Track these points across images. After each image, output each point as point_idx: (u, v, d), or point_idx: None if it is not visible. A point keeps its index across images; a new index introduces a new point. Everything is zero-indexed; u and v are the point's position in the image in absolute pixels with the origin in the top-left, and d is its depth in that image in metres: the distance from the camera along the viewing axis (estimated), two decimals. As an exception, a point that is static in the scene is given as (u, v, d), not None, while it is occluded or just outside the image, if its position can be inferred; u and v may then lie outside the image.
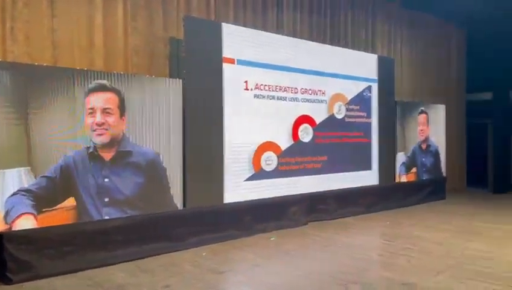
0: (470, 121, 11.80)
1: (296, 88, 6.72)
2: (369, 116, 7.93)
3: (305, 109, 6.85)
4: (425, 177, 9.12)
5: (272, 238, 5.90)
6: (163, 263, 4.74)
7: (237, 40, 5.93)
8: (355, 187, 7.64)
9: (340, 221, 7.17)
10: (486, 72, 11.21)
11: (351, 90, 7.62)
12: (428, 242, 5.75)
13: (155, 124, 5.07)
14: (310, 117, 6.93)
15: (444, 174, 9.69)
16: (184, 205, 5.31)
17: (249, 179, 6.05)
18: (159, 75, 5.45)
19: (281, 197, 6.42)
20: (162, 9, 5.83)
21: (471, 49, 11.52)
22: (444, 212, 8.18)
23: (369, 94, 7.92)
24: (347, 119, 7.53)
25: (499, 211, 8.31)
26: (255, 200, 6.07)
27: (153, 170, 5.02)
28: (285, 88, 6.56)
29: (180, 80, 5.34)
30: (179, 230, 5.25)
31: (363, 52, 8.17)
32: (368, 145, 7.93)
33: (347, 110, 7.53)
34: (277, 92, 6.45)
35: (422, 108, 9.14)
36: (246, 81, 6.01)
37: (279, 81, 6.47)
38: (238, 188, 5.88)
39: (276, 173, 6.40)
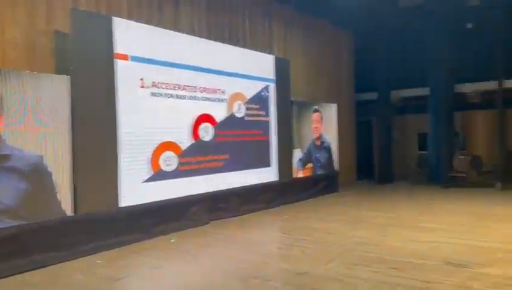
0: (358, 118, 12.87)
1: (195, 87, 6.67)
2: (267, 114, 8.19)
3: (205, 108, 6.83)
4: (319, 172, 9.71)
5: (172, 240, 5.79)
6: (51, 275, 4.37)
7: (131, 35, 5.69)
8: (256, 184, 7.85)
9: (242, 218, 7.31)
10: (372, 74, 12.33)
11: (250, 89, 7.80)
12: (321, 233, 6.13)
13: (39, 124, 4.63)
14: (210, 116, 6.93)
15: (337, 168, 10.40)
16: (75, 211, 4.95)
17: (148, 180, 5.85)
18: (43, 71, 4.98)
19: (181, 197, 6.32)
20: (46, 0, 5.34)
21: (360, 52, 12.55)
22: (336, 204, 8.80)
23: (267, 93, 8.18)
24: (247, 118, 7.69)
25: (382, 200, 9.18)
26: (154, 202, 5.89)
27: (36, 175, 4.58)
28: (184, 86, 6.47)
29: (68, 77, 4.96)
30: (70, 238, 4.88)
31: (261, 53, 8.40)
32: (267, 143, 8.19)
33: (247, 109, 7.69)
34: (176, 90, 6.33)
35: (316, 107, 9.72)
36: (141, 79, 5.79)
37: (178, 80, 6.36)
38: (135, 190, 5.65)
39: (177, 173, 6.29)
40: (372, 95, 12.53)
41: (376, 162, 12.40)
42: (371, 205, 8.57)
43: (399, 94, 12.73)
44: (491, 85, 11.03)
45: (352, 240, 5.66)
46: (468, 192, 9.91)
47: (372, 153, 12.68)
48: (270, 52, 8.89)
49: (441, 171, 11.11)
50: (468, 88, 11.67)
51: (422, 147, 12.71)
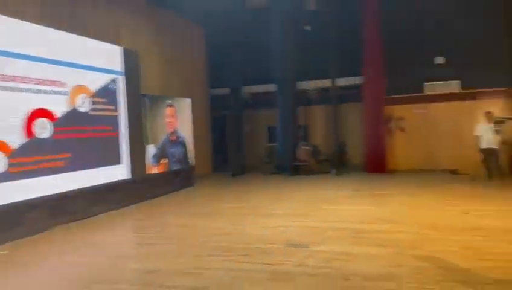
0: (214, 113, 13.16)
1: (29, 78, 5.91)
2: (116, 109, 7.76)
3: (41, 102, 6.11)
4: (175, 167, 9.63)
5: (2, 252, 5.05)
6: None
7: None
8: (106, 183, 7.38)
9: (91, 220, 6.79)
10: (224, 70, 12.70)
11: (96, 82, 7.27)
12: (176, 227, 6.10)
13: None
14: (48, 111, 6.24)
15: (193, 163, 10.46)
16: None
17: (-32, 186, 4.98)
18: None
19: (14, 203, 5.56)
20: None
21: (213, 48, 12.80)
22: (192, 198, 8.86)
23: (115, 87, 7.73)
24: (92, 113, 7.15)
25: (236, 191, 9.56)
26: (-22, 210, 5.06)
27: None
28: (12, 78, 5.66)
29: None
30: None
31: (108, 44, 7.88)
32: (116, 139, 7.75)
33: (92, 103, 7.15)
34: (4, 81, 5.51)
35: (170, 101, 9.59)
36: (-46, 67, 4.89)
37: (6, 70, 5.54)
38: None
39: (6, 176, 5.49)
40: (226, 91, 12.93)
41: (230, 155, 12.86)
42: (226, 197, 8.86)
43: (250, 90, 13.41)
44: (327, 83, 12.41)
45: (206, 231, 5.76)
46: (309, 179, 11.02)
47: (227, 147, 13.12)
48: (118, 44, 8.41)
49: (287, 161, 12.09)
50: (309, 85, 12.93)
51: (271, 139, 13.64)
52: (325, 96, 12.76)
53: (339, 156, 12.35)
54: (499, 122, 9.50)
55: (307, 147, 12.34)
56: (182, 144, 9.99)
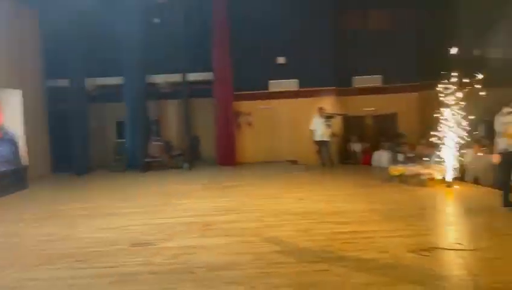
0: (54, 107, 11.78)
1: None
2: None
3: None
4: (2, 168, 8.34)
5: None
6: None
7: None
8: None
9: None
10: (63, 59, 11.42)
11: None
12: (3, 237, 5.30)
13: None
14: None
15: (26, 162, 9.21)
16: None
17: None
18: None
19: None
20: None
21: (51, 36, 11.38)
22: (24, 201, 7.86)
23: None
24: None
25: (79, 192, 8.80)
26: None
27: None
28: None
29: None
30: None
31: None
32: None
33: None
34: None
35: (-7, 92, 8.27)
36: None
37: None
38: None
39: None
40: (65, 82, 11.68)
41: (74, 152, 11.72)
42: (66, 198, 8.03)
43: (94, 82, 12.44)
44: (177, 77, 12.26)
45: (37, 239, 5.16)
46: (161, 174, 10.80)
47: (71, 143, 11.91)
48: None
49: (138, 157, 11.63)
50: (159, 79, 12.60)
51: (121, 135, 12.88)
52: (176, 91, 12.59)
53: (192, 151, 12.39)
54: (329, 117, 10.77)
55: (159, 142, 12.06)
56: (11, 142, 8.73)
